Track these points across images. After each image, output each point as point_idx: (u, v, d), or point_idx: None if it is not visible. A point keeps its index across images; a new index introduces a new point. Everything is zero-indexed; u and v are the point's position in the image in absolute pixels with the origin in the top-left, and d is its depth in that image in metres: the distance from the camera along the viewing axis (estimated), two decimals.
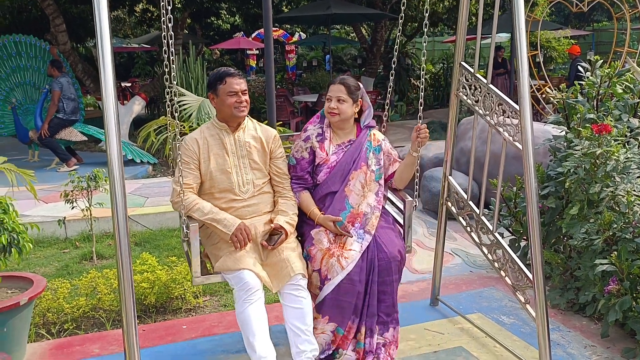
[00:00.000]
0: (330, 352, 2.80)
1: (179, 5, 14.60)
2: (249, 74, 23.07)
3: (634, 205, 3.04)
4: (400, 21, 3.17)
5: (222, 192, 2.83)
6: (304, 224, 2.95)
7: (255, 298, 2.61)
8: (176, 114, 2.74)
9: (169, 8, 2.57)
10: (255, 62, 24.34)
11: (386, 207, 3.10)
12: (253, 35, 22.34)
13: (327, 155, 2.96)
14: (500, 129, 2.85)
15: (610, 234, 3.06)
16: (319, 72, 17.58)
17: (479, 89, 3.01)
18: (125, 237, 2.10)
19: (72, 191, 4.40)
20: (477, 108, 3.03)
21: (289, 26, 23.71)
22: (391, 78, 3.23)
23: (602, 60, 3.78)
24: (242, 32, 22.58)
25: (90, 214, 4.49)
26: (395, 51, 3.29)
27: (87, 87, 11.14)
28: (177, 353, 3.08)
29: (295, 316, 2.68)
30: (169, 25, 2.58)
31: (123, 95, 14.39)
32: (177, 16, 13.34)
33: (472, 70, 3.06)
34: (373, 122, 3.08)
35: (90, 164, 8.15)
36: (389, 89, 3.29)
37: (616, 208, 3.12)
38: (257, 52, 23.44)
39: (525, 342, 3.11)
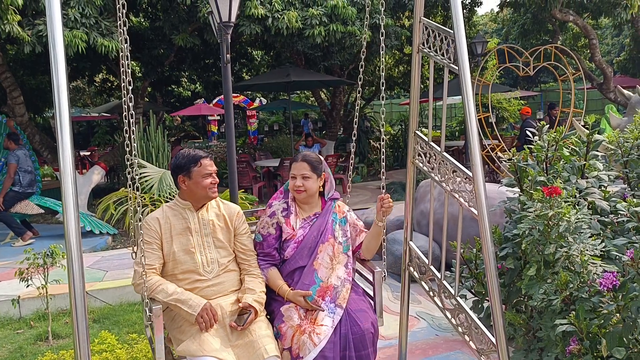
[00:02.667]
0: None
1: (139, 75, 14.79)
2: (211, 139, 23.23)
3: (588, 265, 3.13)
4: (358, 86, 3.30)
5: (186, 272, 2.77)
6: (273, 301, 2.90)
7: None
8: (137, 191, 2.73)
9: (129, 80, 2.61)
10: (217, 127, 24.57)
11: (355, 279, 3.10)
12: (214, 101, 22.66)
13: (294, 230, 2.96)
14: (456, 195, 2.94)
15: (568, 293, 3.12)
16: (281, 137, 17.84)
17: (434, 157, 3.12)
18: (82, 317, 2.05)
19: (27, 269, 4.26)
20: (433, 175, 3.13)
21: (249, 92, 24.16)
22: (354, 139, 3.35)
23: (548, 125, 3.97)
24: (203, 99, 22.88)
25: (47, 292, 4.34)
26: (356, 117, 3.41)
27: (45, 157, 10.98)
28: None
29: None
30: (130, 103, 2.60)
31: (82, 165, 14.24)
32: (138, 85, 13.48)
33: (426, 138, 3.18)
34: (337, 194, 3.13)
35: (47, 236, 7.95)
36: (351, 152, 3.39)
37: (571, 268, 3.21)
38: (218, 117, 23.71)
39: None
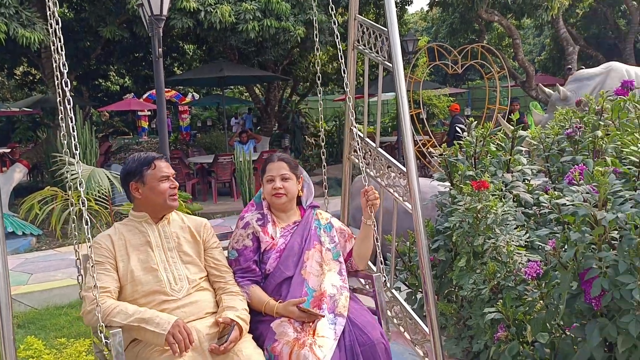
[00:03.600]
0: None
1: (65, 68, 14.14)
2: (141, 135, 22.60)
3: (514, 255, 3.29)
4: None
5: (149, 294, 2.34)
6: (259, 323, 2.48)
7: None
8: (70, 184, 2.37)
9: (64, 72, 2.36)
10: (148, 123, 23.92)
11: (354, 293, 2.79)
12: (144, 96, 22.05)
13: (274, 238, 2.61)
14: (391, 190, 3.01)
15: (495, 282, 3.27)
16: (214, 133, 17.59)
17: (369, 152, 3.18)
18: (8, 321, 1.94)
19: None
20: (368, 170, 3.19)
21: (181, 87, 23.68)
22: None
23: (476, 122, 4.14)
24: (132, 94, 22.21)
25: None
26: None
27: None
28: None
29: None
30: (68, 105, 2.29)
31: (2, 162, 13.49)
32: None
33: (361, 134, 3.23)
34: (316, 202, 2.86)
35: None
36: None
37: (499, 258, 3.36)
38: (149, 112, 23.10)
39: None
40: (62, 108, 2.43)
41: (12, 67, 14.21)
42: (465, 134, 4.11)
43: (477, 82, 27.23)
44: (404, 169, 2.86)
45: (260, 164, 11.97)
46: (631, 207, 2.64)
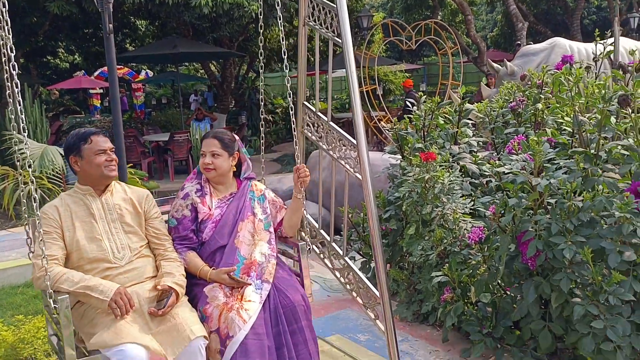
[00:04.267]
0: None
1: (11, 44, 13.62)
2: (93, 113, 22.01)
3: (460, 222, 3.48)
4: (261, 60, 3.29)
5: (94, 262, 2.51)
6: (194, 285, 2.69)
7: None
8: (18, 163, 2.56)
9: (12, 53, 2.40)
10: (100, 101, 23.31)
11: (280, 257, 2.97)
12: (95, 73, 21.43)
13: (210, 209, 2.80)
14: (343, 162, 3.13)
15: (442, 248, 3.46)
16: (170, 111, 17.32)
17: (322, 126, 3.28)
18: None
19: None
20: (321, 144, 3.29)
21: (134, 64, 23.10)
22: (256, 120, 3.39)
23: (425, 96, 4.29)
24: (83, 71, 21.55)
25: None
26: (262, 94, 3.34)
27: None
28: None
29: None
30: (15, 80, 2.32)
31: None
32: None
33: (314, 109, 3.33)
34: (253, 174, 3.03)
35: None
36: (260, 127, 3.22)
37: (445, 225, 3.55)
38: (101, 90, 22.48)
39: (379, 355, 3.38)
40: (9, 84, 2.46)
41: None
42: (415, 108, 4.27)
43: (432, 58, 27.56)
44: (355, 142, 2.98)
45: None
46: (563, 174, 2.84)
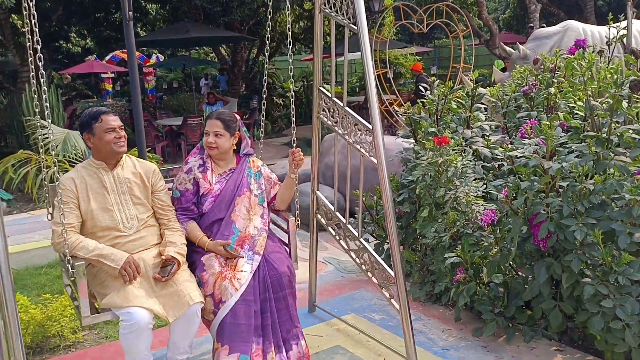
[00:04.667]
0: None
1: (23, 30, 13.76)
2: (105, 97, 22.14)
3: (472, 205, 3.55)
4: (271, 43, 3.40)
5: (105, 230, 2.82)
6: (193, 252, 3.00)
7: (142, 333, 2.63)
8: (40, 148, 2.75)
9: (38, 46, 2.55)
10: (112, 85, 23.41)
11: (271, 229, 3.26)
12: (107, 58, 21.50)
13: (211, 184, 3.06)
14: (358, 146, 3.20)
15: (455, 230, 3.54)
16: (181, 95, 17.41)
17: (337, 111, 3.36)
18: (8, 278, 2.10)
19: None
20: (336, 128, 3.37)
21: (145, 48, 23.15)
22: (262, 103, 3.49)
23: (438, 81, 4.34)
24: (95, 55, 21.63)
25: None
26: (265, 76, 3.51)
27: None
28: None
29: (181, 336, 2.81)
30: (39, 62, 2.50)
31: None
32: (20, 40, 12.54)
33: (329, 94, 3.40)
34: (251, 150, 3.27)
35: None
36: (262, 109, 3.49)
37: (458, 208, 3.62)
38: (112, 75, 22.57)
39: (393, 333, 3.49)
40: (33, 74, 2.72)
41: None
42: (428, 92, 4.32)
43: (443, 40, 27.34)
44: (370, 126, 3.05)
45: None
46: (575, 157, 2.90)
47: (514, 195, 3.09)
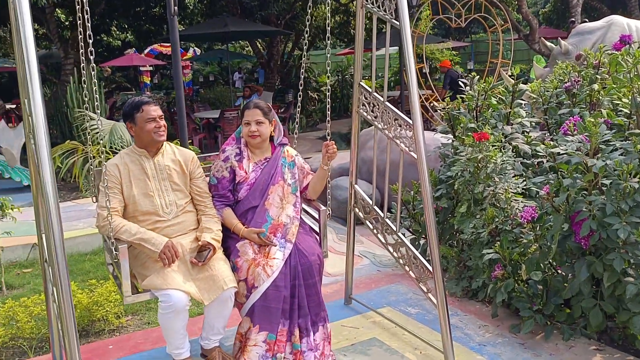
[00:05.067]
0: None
1: (67, 24, 14.11)
2: (143, 90, 22.57)
3: (511, 201, 3.54)
4: (305, 36, 3.43)
5: (146, 214, 2.97)
6: (228, 238, 3.14)
7: (179, 314, 2.81)
8: (89, 139, 2.86)
9: (89, 33, 2.66)
10: (150, 78, 23.84)
11: (302, 217, 3.35)
12: (145, 51, 21.89)
13: (247, 173, 3.18)
14: (398, 141, 3.22)
15: (494, 226, 3.53)
16: (218, 88, 17.62)
17: (377, 106, 3.38)
18: (63, 260, 2.18)
19: None
20: (376, 123, 3.39)
21: (182, 42, 23.47)
22: (297, 97, 3.54)
23: (478, 77, 4.31)
24: (133, 49, 22.05)
25: None
26: (303, 69, 3.56)
27: None
28: None
29: (215, 317, 2.98)
30: (90, 56, 2.65)
31: (7, 118, 13.65)
32: (64, 34, 12.89)
33: (369, 89, 3.43)
34: (285, 139, 3.36)
35: None
36: (297, 103, 3.51)
37: (497, 204, 3.61)
38: (150, 68, 22.97)
39: (429, 328, 3.50)
40: (84, 68, 2.91)
41: None
42: (468, 87, 4.30)
43: (480, 35, 26.93)
44: (410, 121, 3.07)
45: None
46: (620, 155, 2.86)
47: (556, 192, 3.07)
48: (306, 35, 3.46)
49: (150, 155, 3.03)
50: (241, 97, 11.81)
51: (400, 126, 3.23)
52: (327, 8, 3.58)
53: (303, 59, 3.54)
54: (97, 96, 2.79)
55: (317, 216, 3.33)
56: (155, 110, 2.99)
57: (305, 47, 3.60)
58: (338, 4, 18.43)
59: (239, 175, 3.18)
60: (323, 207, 3.30)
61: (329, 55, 3.44)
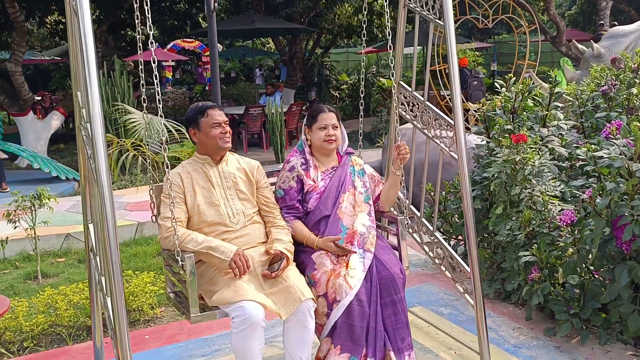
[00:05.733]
0: None
1: (94, 18, 14.30)
2: (165, 85, 22.75)
3: (549, 204, 3.53)
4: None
5: (212, 225, 2.75)
6: (301, 252, 2.90)
7: (256, 331, 2.50)
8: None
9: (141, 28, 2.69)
10: (172, 73, 24.03)
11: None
12: (168, 46, 22.06)
13: (315, 182, 2.99)
14: (438, 141, 3.23)
15: (530, 229, 3.52)
16: (241, 84, 17.70)
17: (417, 106, 3.39)
18: (116, 250, 2.21)
19: (14, 211, 4.36)
20: (415, 122, 3.40)
21: (204, 38, 23.62)
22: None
23: (514, 78, 4.29)
24: (157, 43, 22.21)
25: (35, 233, 4.47)
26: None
27: (1, 102, 10.67)
28: None
29: (298, 346, 2.66)
30: (152, 48, 2.65)
31: (33, 110, 13.85)
32: (94, 29, 13.04)
33: (409, 89, 3.44)
34: (351, 149, 3.19)
35: (10, 182, 7.92)
36: (362, 108, 3.41)
37: (534, 207, 3.60)
38: (172, 63, 23.14)
39: (462, 328, 3.51)
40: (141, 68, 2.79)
41: (43, 15, 14.38)
42: (504, 89, 4.28)
43: (504, 36, 26.71)
44: (451, 121, 3.07)
45: (290, 116, 11.84)
46: None
47: (597, 196, 3.05)
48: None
49: (214, 163, 2.85)
50: (264, 94, 11.85)
51: (441, 126, 3.24)
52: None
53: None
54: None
55: (392, 229, 3.15)
56: (220, 115, 2.82)
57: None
58: (362, 2, 18.44)
59: (307, 184, 2.98)
60: (400, 216, 3.12)
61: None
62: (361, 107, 3.44)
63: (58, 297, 3.64)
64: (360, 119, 3.44)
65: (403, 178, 3.12)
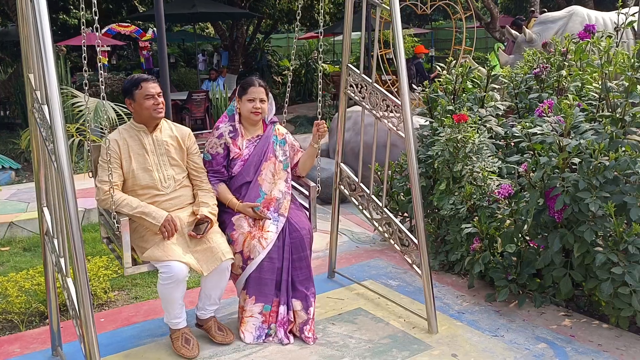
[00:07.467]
0: (265, 331, 3.16)
1: None
2: (100, 72, 22.01)
3: (488, 179, 3.76)
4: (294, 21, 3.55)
5: (145, 188, 3.05)
6: (223, 212, 3.25)
7: (179, 285, 2.93)
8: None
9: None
10: (107, 59, 23.28)
11: (292, 193, 3.45)
12: (103, 31, 21.34)
13: (240, 150, 3.29)
14: (385, 121, 3.39)
15: (472, 203, 3.75)
16: (181, 69, 17.40)
17: (365, 87, 3.53)
18: (78, 232, 2.24)
19: None
20: (364, 103, 3.54)
21: (141, 22, 22.99)
22: (288, 77, 3.65)
23: (455, 61, 4.51)
24: (91, 28, 21.43)
25: None
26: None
27: None
28: (104, 342, 3.21)
29: (213, 287, 3.10)
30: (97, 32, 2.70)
31: None
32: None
33: (358, 71, 3.57)
34: (276, 118, 3.49)
35: None
36: (288, 83, 3.64)
37: (474, 182, 3.83)
38: (107, 48, 22.41)
39: (410, 298, 3.71)
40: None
41: None
42: (445, 72, 4.49)
43: (440, 22, 27.38)
44: (399, 102, 3.23)
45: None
46: (591, 135, 3.11)
47: (532, 169, 3.30)
48: (298, 19, 3.58)
49: (149, 131, 3.10)
50: (207, 79, 11.74)
51: (388, 107, 3.39)
52: None
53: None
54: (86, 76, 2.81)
55: (306, 192, 3.47)
56: (154, 87, 3.05)
57: (297, 29, 3.72)
58: None
59: (232, 152, 3.29)
60: (313, 184, 3.45)
61: (321, 37, 3.55)
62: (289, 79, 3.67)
63: (8, 284, 3.59)
64: (288, 89, 3.62)
65: (319, 151, 3.45)
